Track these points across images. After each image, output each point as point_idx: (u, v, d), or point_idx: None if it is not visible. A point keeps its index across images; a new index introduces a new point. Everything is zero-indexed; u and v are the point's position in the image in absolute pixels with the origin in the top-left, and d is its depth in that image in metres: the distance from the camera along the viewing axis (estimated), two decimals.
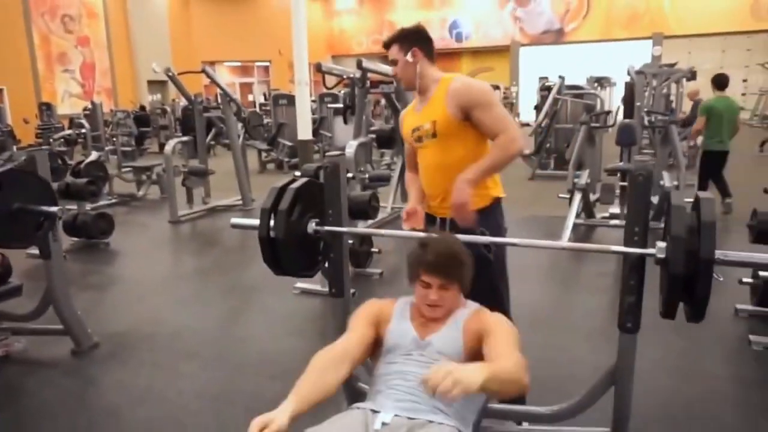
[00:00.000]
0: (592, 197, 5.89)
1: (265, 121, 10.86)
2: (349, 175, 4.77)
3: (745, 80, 21.08)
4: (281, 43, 21.82)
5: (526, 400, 2.22)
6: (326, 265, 2.31)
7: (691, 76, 9.38)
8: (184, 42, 20.50)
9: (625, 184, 5.43)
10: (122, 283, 4.57)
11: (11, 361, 3.10)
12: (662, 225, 1.92)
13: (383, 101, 11.09)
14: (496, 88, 18.63)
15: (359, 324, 1.83)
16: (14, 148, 8.62)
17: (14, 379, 2.93)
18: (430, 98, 2.25)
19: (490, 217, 2.29)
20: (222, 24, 21.51)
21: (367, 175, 5.42)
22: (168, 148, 6.36)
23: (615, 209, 5.86)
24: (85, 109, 12.15)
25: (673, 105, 10.54)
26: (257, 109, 13.32)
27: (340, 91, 11.62)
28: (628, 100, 8.33)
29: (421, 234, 2.05)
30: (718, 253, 1.67)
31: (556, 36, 22.36)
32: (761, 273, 3.35)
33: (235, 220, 2.39)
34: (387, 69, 5.50)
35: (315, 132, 10.23)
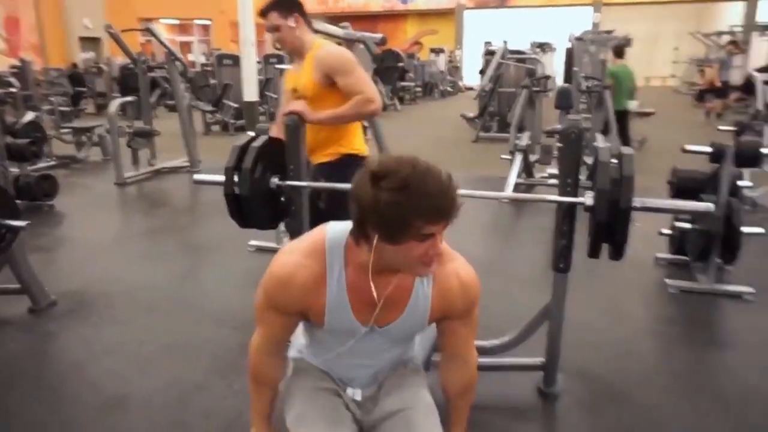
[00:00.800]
0: (532, 158, 6.19)
1: (211, 81, 10.63)
2: None
3: (676, 48, 22.04)
4: (223, 1, 21.13)
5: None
6: (287, 217, 2.46)
7: (626, 43, 9.78)
8: None
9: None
10: (72, 244, 4.55)
11: None
12: None
13: None
14: (441, 51, 18.76)
15: (275, 318, 1.37)
16: None
17: None
18: (303, 62, 2.52)
19: (337, 170, 2.52)
20: None
21: None
22: (112, 108, 6.22)
23: (553, 170, 6.19)
24: (12, 66, 11.51)
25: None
26: (199, 70, 12.97)
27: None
28: (567, 66, 8.68)
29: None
30: (637, 201, 1.93)
31: (500, 0, 22.57)
32: (677, 224, 3.71)
33: (198, 177, 2.49)
34: (339, 31, 5.53)
35: (260, 93, 10.14)
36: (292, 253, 1.33)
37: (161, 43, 6.46)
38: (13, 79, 9.36)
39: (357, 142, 2.71)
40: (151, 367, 2.64)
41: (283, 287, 1.30)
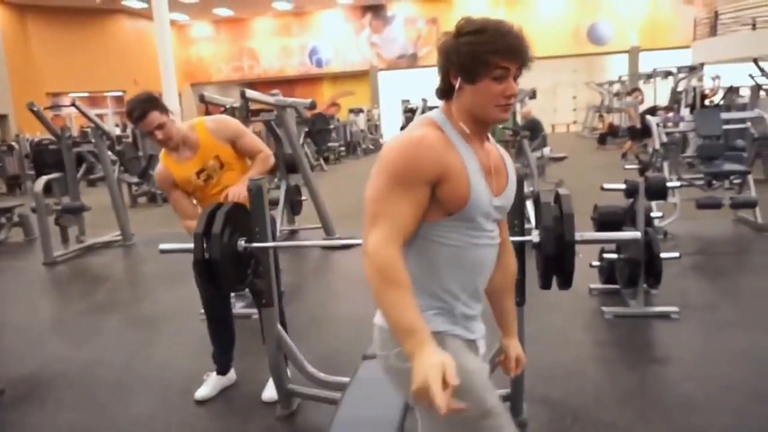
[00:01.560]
0: None
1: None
2: None
3: (574, 97, 23.97)
4: (136, 72, 20.97)
5: None
6: (254, 278, 2.54)
7: (532, 95, 10.60)
8: (24, 71, 18.90)
9: None
10: (10, 330, 4.31)
11: None
12: None
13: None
14: (360, 111, 19.42)
15: (402, 198, 1.23)
16: None
17: None
18: (197, 142, 2.69)
19: None
20: (68, 52, 20.16)
21: None
22: (38, 186, 6.03)
23: None
24: None
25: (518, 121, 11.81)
26: (129, 141, 12.71)
27: None
28: None
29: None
30: (578, 235, 2.19)
31: (410, 60, 23.79)
32: (605, 255, 4.08)
33: (164, 246, 2.55)
34: (269, 98, 5.75)
35: None
36: (408, 131, 1.31)
37: (87, 117, 6.39)
38: None
39: None
40: None
41: (417, 148, 1.24)
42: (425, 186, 1.25)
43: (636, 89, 13.20)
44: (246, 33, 24.67)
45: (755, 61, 9.19)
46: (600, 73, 22.76)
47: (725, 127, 6.68)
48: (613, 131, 15.99)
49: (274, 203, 5.90)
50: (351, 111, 19.59)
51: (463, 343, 1.39)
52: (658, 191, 3.95)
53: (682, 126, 8.22)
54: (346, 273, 5.53)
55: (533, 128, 9.22)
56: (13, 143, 13.13)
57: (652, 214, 4.28)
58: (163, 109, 2.63)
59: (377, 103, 23.35)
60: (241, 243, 2.41)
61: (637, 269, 3.68)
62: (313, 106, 6.35)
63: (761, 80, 9.70)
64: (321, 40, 24.28)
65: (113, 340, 3.91)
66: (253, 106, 6.00)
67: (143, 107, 2.59)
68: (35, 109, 6.15)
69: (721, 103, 10.53)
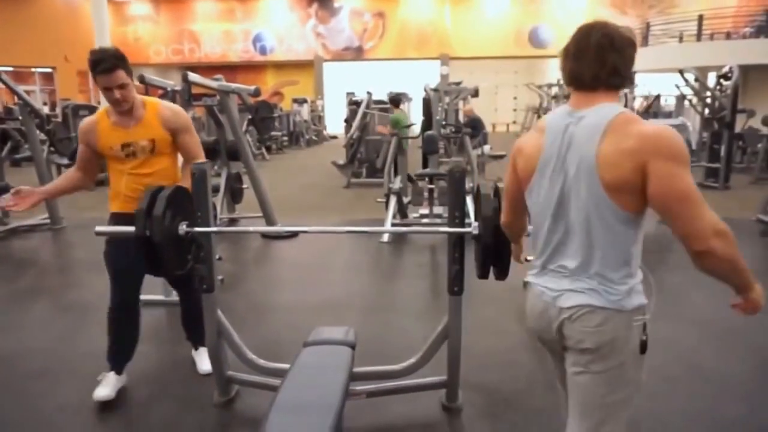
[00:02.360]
0: (405, 200, 6.62)
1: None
2: None
3: (515, 98, 24.63)
4: (67, 48, 19.93)
5: (377, 363, 2.67)
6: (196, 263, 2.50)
7: (475, 93, 10.84)
8: None
9: (432, 187, 6.26)
10: None
11: None
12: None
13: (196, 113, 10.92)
14: (304, 101, 19.25)
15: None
16: None
17: None
18: (141, 118, 2.61)
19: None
20: None
21: None
22: None
23: (424, 210, 6.67)
24: None
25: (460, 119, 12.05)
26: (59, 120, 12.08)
27: None
28: (427, 114, 9.41)
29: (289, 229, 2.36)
30: None
31: (356, 53, 23.77)
32: None
33: (100, 228, 2.47)
34: (213, 83, 5.62)
35: None
36: (658, 123, 1.54)
37: (15, 92, 6.04)
38: None
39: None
40: None
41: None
42: None
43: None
44: (187, 15, 23.91)
45: (681, 71, 9.75)
46: (540, 75, 23.47)
47: None
48: None
49: (214, 190, 5.78)
50: (295, 101, 19.40)
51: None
52: None
53: None
54: (286, 262, 5.51)
55: (475, 126, 9.44)
56: None
57: None
58: (129, 71, 2.54)
59: (321, 94, 23.20)
60: (183, 227, 2.37)
61: None
62: (257, 93, 6.25)
63: (685, 90, 10.29)
64: (265, 27, 23.86)
65: (39, 328, 3.75)
66: (195, 91, 5.85)
67: (114, 61, 2.47)
68: None
69: (650, 110, 11.11)
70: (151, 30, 23.98)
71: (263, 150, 14.16)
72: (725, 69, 9.28)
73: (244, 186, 6.69)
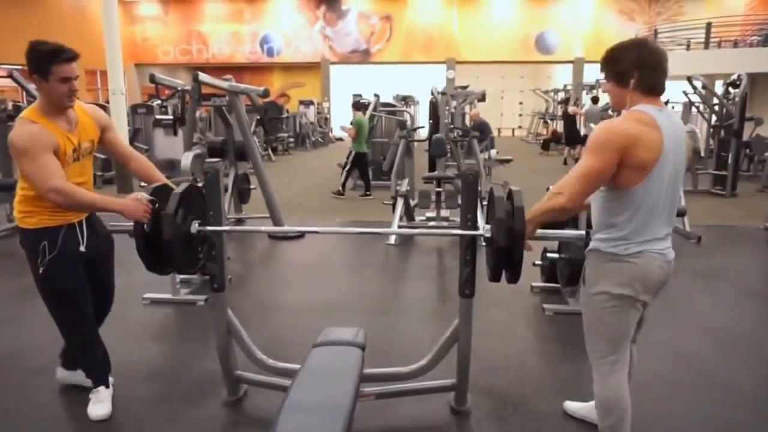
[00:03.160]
0: (412, 203, 6.62)
1: None
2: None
3: (521, 103, 24.61)
4: (77, 47, 19.90)
5: (384, 364, 2.66)
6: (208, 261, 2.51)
7: (482, 98, 10.84)
8: None
9: (440, 190, 6.26)
10: None
11: None
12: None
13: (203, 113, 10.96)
14: (311, 103, 19.27)
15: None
16: None
17: None
18: (77, 120, 2.43)
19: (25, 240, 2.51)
20: (2, 20, 19.00)
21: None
22: None
23: (431, 213, 6.66)
24: None
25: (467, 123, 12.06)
26: None
27: (154, 102, 11.22)
28: (434, 117, 9.42)
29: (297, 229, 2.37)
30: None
31: (363, 56, 23.78)
32: (548, 255, 4.23)
33: (113, 224, 2.47)
34: (223, 83, 5.64)
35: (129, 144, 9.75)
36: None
37: (26, 90, 6.07)
38: None
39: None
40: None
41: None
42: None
43: (594, 98, 13.69)
44: (196, 16, 23.96)
45: (689, 78, 9.72)
46: (546, 81, 23.46)
47: None
48: (556, 138, 16.53)
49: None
50: (301, 103, 19.42)
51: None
52: None
53: None
54: (293, 263, 5.51)
55: (482, 130, 9.44)
56: None
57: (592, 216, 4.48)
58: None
59: (328, 96, 23.22)
60: (195, 225, 2.37)
61: (576, 268, 3.84)
62: (266, 93, 6.27)
63: (693, 97, 10.26)
64: (273, 28, 23.90)
65: (46, 325, 3.74)
66: (204, 91, 5.88)
67: (73, 51, 2.36)
68: None
69: None
70: (160, 30, 24.04)
71: (269, 151, 14.18)
72: (734, 77, 9.25)
73: (252, 186, 6.70)
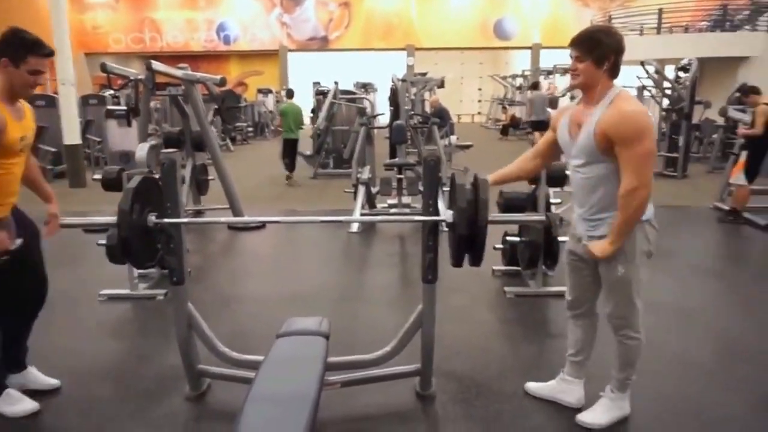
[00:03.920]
0: (373, 190, 6.61)
1: None
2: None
3: (480, 89, 24.80)
4: None
5: (349, 352, 2.67)
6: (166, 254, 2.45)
7: (441, 84, 10.86)
8: None
9: (401, 177, 6.26)
10: None
11: None
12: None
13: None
14: (269, 91, 18.98)
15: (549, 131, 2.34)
16: None
17: None
18: (23, 112, 2.44)
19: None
20: None
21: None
22: None
23: (393, 200, 6.67)
24: None
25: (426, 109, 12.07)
26: None
27: (106, 93, 10.86)
28: (394, 104, 9.40)
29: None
30: (489, 216, 2.29)
31: (321, 43, 23.51)
32: (508, 239, 4.30)
33: (66, 220, 2.39)
34: (178, 72, 5.49)
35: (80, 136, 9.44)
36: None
37: None
38: None
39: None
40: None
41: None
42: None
43: (537, 83, 13.88)
44: (148, 2, 23.22)
45: (643, 63, 9.96)
46: (504, 66, 23.67)
47: None
48: (515, 123, 16.74)
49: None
50: (260, 91, 19.12)
51: None
52: (558, 179, 4.18)
53: None
54: (254, 254, 5.45)
55: (442, 116, 9.47)
56: None
57: (552, 201, 4.57)
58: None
59: (286, 84, 22.91)
60: (152, 218, 2.32)
61: (537, 251, 3.92)
62: (223, 82, 6.14)
63: (646, 81, 10.52)
64: (229, 15, 23.38)
65: None
66: (158, 80, 5.71)
67: (52, 50, 2.43)
68: None
69: None
70: (111, 18, 23.22)
71: (228, 141, 13.93)
72: (684, 61, 9.52)
73: (210, 177, 6.57)
